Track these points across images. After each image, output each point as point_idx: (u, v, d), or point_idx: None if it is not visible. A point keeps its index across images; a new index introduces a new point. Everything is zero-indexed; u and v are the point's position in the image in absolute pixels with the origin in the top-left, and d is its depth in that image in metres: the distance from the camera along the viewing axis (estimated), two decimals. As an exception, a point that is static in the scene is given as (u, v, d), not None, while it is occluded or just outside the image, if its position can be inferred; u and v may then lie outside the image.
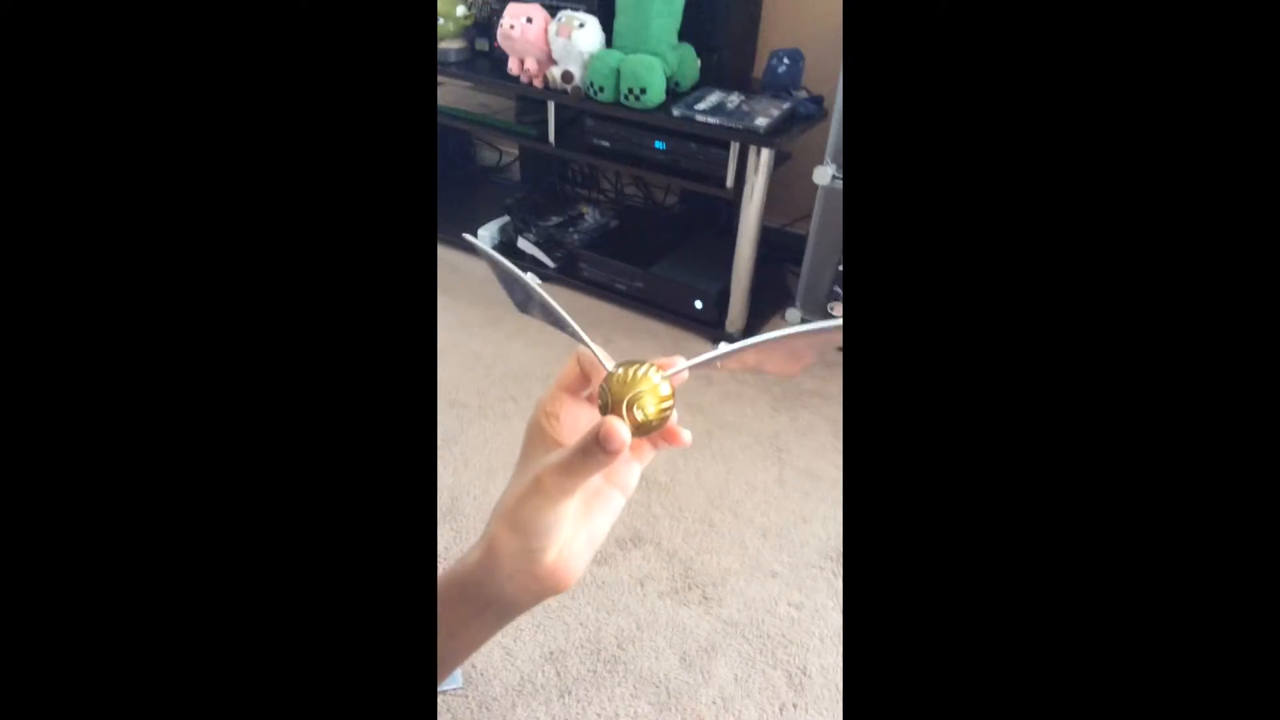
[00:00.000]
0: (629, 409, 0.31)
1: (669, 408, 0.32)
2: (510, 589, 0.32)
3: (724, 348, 0.33)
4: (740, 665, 1.00)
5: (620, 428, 0.29)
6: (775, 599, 1.09)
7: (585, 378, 0.35)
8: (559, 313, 0.34)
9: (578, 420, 0.35)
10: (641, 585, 1.10)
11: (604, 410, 0.31)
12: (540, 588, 0.32)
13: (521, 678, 0.96)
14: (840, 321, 0.29)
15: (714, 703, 0.95)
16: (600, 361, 0.33)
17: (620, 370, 0.32)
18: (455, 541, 1.15)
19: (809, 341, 0.31)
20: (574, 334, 0.34)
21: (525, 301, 0.36)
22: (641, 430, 0.31)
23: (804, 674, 0.99)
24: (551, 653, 0.99)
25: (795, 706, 0.96)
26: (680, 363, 0.33)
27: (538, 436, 0.34)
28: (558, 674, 0.97)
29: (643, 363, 0.32)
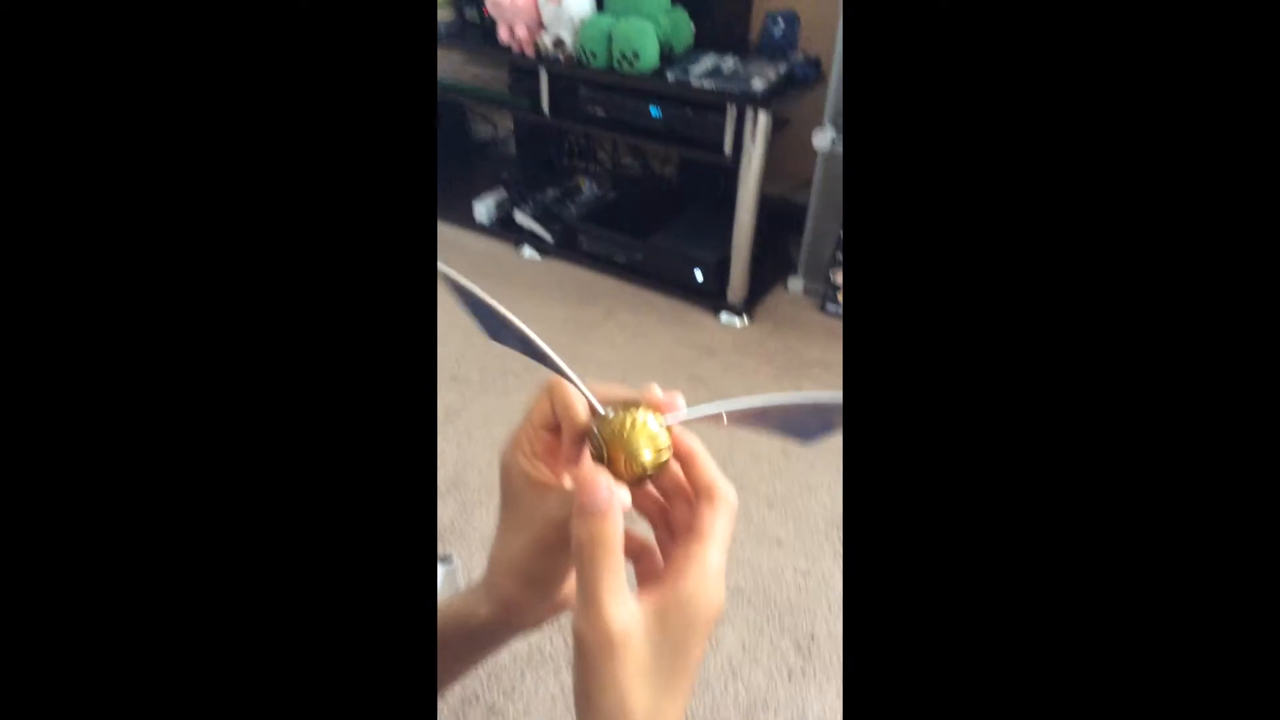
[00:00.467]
0: (626, 463, 0.28)
1: (666, 459, 0.29)
2: (529, 627, 0.33)
3: (728, 403, 0.30)
4: (748, 633, 1.00)
5: (605, 487, 0.27)
6: (782, 567, 1.09)
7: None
8: (538, 344, 0.30)
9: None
10: (647, 555, 1.10)
11: (597, 457, 0.29)
12: (557, 614, 0.32)
13: (530, 647, 0.96)
14: (839, 397, 0.27)
15: (722, 670, 0.96)
16: (584, 397, 0.30)
17: (613, 416, 0.29)
18: (461, 513, 1.15)
19: (815, 412, 0.29)
20: (556, 368, 0.30)
21: (499, 330, 0.31)
22: (636, 482, 0.29)
23: (812, 640, 1.00)
24: (560, 622, 0.99)
25: (804, 673, 0.96)
26: (680, 412, 0.30)
27: (521, 481, 0.31)
28: (566, 643, 0.97)
29: (636, 405, 0.29)
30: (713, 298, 1.65)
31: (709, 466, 0.29)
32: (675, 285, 1.68)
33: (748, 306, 1.64)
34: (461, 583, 1.02)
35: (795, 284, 1.74)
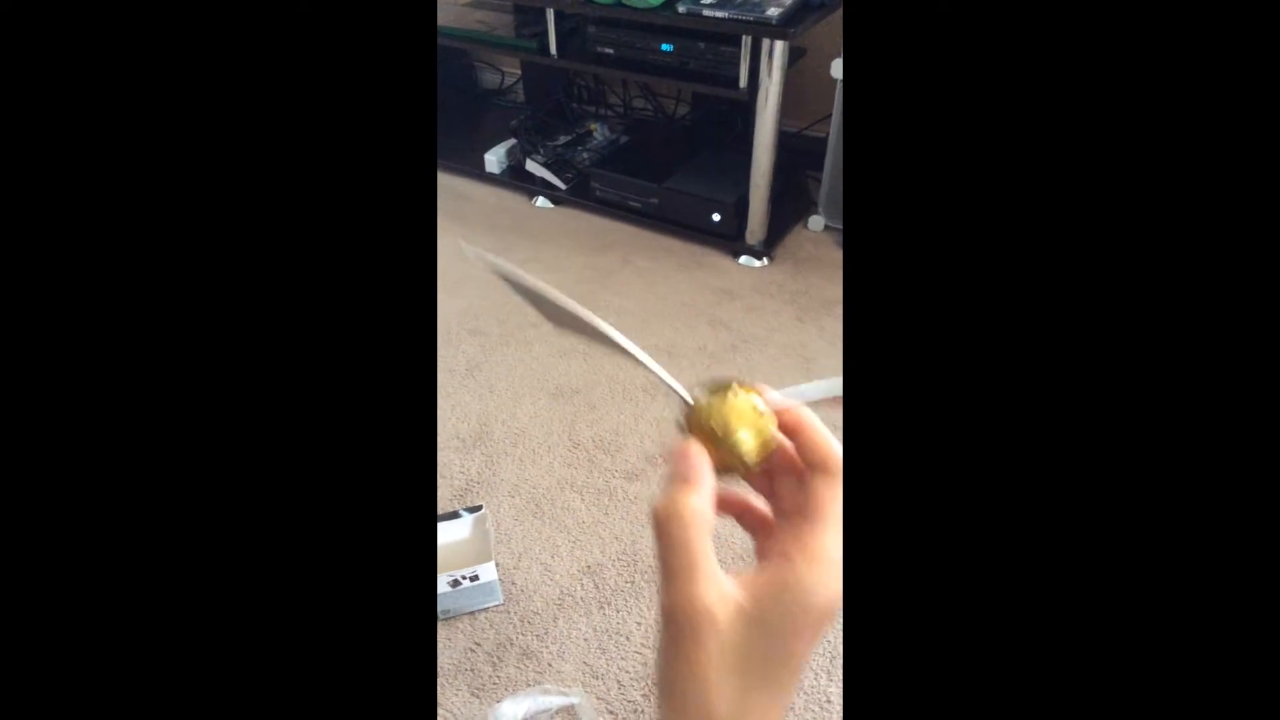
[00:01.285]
0: (726, 456, 0.25)
1: (772, 443, 0.26)
2: None
3: (831, 381, 0.26)
4: (777, 571, 1.01)
5: (693, 455, 0.24)
6: (809, 505, 1.09)
7: None
8: (603, 327, 0.27)
9: None
10: (674, 499, 1.10)
11: None
12: None
13: (561, 592, 0.98)
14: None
15: (752, 607, 0.96)
16: (670, 386, 0.27)
17: (707, 402, 0.25)
18: (487, 465, 1.15)
19: None
20: (629, 354, 0.27)
21: (558, 315, 0.29)
22: (737, 471, 0.26)
23: (841, 576, 1.00)
24: (589, 566, 1.00)
25: (833, 607, 0.96)
26: (788, 390, 0.26)
27: None
28: (596, 586, 0.98)
29: (727, 386, 0.25)
30: (731, 240, 1.61)
31: (822, 434, 0.25)
32: (692, 229, 1.64)
33: (767, 247, 1.60)
34: (490, 529, 1.03)
35: (816, 222, 1.69)
